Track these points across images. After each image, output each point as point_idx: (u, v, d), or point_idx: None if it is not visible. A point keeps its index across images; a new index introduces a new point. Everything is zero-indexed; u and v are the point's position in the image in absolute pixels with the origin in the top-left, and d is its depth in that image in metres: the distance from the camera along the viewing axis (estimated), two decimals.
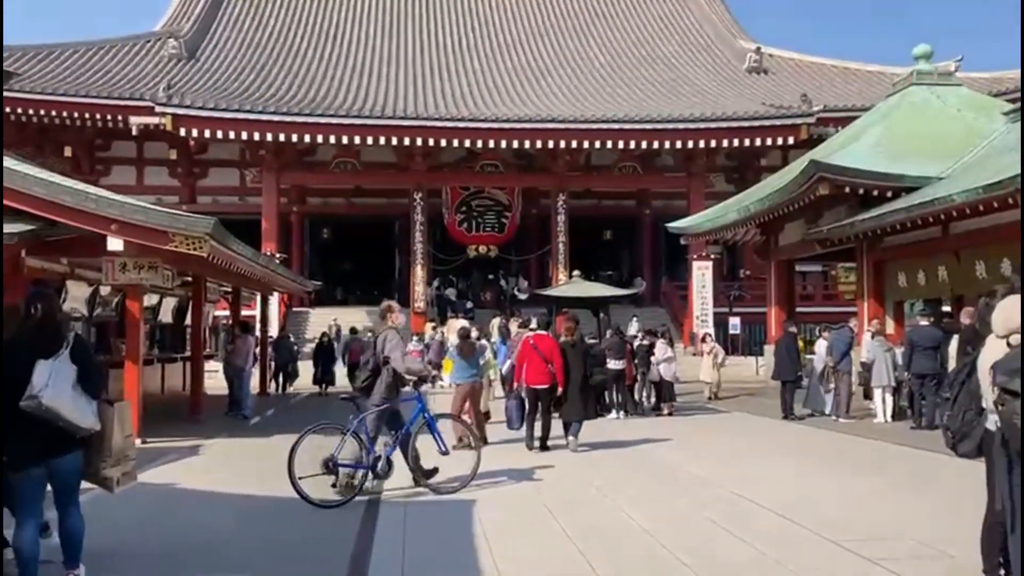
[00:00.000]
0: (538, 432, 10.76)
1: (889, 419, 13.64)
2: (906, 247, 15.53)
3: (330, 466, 7.47)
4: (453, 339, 28.15)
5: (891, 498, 7.75)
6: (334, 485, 7.55)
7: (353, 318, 29.41)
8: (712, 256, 31.39)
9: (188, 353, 15.62)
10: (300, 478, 7.32)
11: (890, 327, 16.46)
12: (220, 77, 32.48)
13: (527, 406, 10.79)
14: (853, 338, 14.33)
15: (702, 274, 30.98)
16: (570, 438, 10.86)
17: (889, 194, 15.04)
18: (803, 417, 14.56)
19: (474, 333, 11.96)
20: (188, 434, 12.05)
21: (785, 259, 20.87)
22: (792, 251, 20.19)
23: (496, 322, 26.97)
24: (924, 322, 13.28)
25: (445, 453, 8.17)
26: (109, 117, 30.03)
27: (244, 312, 24.69)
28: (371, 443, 7.79)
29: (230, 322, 26.69)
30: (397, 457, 8.02)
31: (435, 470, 8.05)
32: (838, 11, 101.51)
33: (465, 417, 10.56)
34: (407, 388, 8.23)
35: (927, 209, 12.92)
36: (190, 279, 14.49)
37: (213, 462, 10.14)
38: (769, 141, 29.79)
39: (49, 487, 4.97)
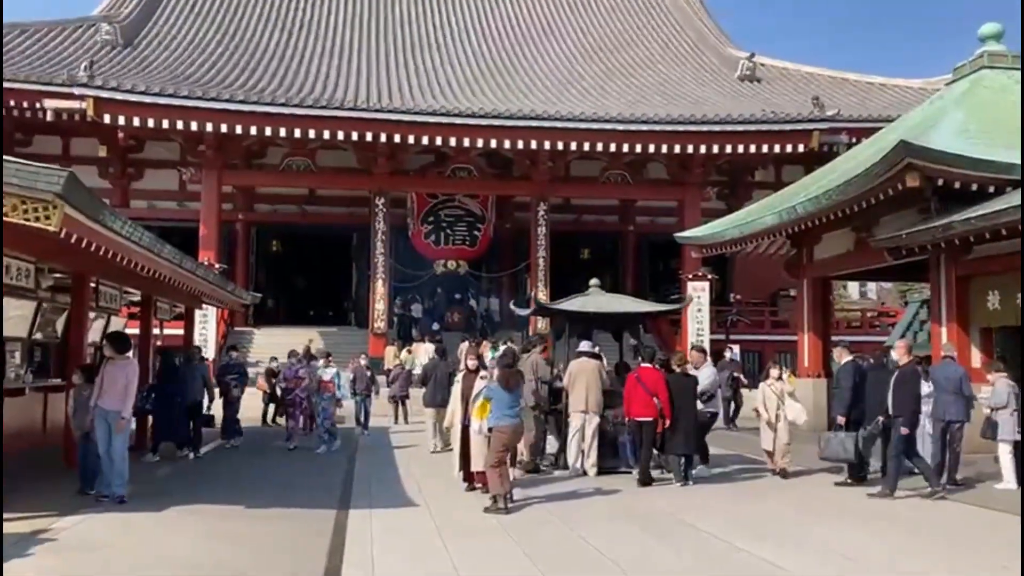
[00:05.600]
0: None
1: (1017, 484, 10.22)
2: (1003, 258, 12.19)
3: None
4: (422, 360, 24.98)
5: None
6: None
7: (303, 339, 25.64)
8: (709, 276, 28.19)
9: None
10: None
11: (976, 360, 13.15)
12: (158, 67, 28.51)
13: (636, 440, 10.86)
14: (966, 377, 10.83)
15: (698, 296, 27.69)
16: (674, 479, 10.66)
17: (991, 189, 11.79)
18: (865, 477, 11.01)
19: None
20: (38, 507, 7.92)
21: (821, 276, 17.58)
22: (832, 266, 16.91)
23: (464, 346, 23.47)
24: None
25: None
26: (26, 104, 25.94)
27: (172, 331, 20.83)
28: None
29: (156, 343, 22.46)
30: None
31: None
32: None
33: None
34: None
35: None
36: (70, 279, 10.58)
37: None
38: (777, 148, 26.65)
39: None
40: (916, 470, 10.17)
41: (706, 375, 11.62)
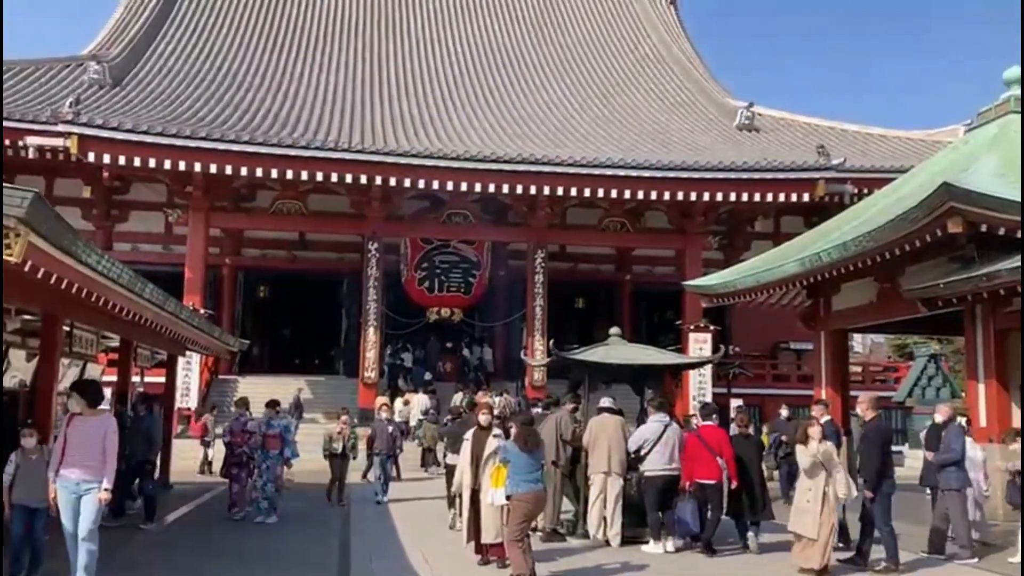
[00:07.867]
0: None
1: None
2: None
3: None
4: (417, 412, 23.81)
5: None
6: None
7: (289, 389, 24.61)
8: (711, 328, 27.38)
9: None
10: None
11: (1017, 420, 12.30)
12: (146, 106, 27.68)
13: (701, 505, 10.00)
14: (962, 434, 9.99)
15: (700, 348, 26.86)
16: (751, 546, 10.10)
17: None
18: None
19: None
20: None
21: (839, 328, 16.77)
22: (852, 318, 16.11)
23: (457, 397, 22.50)
24: None
25: None
26: (8, 142, 25.09)
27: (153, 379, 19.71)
28: None
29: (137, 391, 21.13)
30: None
31: None
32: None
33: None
34: None
35: None
36: (40, 321, 9.56)
37: None
38: (782, 197, 26.03)
39: None
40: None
41: (642, 430, 10.41)
